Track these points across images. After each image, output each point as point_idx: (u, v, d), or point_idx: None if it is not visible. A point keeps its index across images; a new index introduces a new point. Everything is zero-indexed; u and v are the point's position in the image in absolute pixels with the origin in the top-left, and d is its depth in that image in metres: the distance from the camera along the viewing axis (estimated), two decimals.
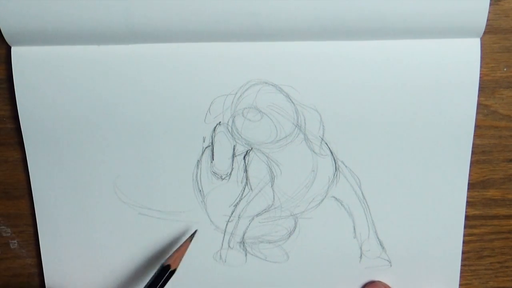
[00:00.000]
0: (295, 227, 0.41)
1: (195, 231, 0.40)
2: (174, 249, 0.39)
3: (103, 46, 0.37)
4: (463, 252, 0.41)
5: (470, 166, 0.39)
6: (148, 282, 0.37)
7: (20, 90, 0.38)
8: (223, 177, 0.39)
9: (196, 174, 0.39)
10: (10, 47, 0.37)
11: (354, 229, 0.40)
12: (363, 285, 0.42)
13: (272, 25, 0.35)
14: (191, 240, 0.39)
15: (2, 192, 0.41)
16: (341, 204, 0.40)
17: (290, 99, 0.38)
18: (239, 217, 0.40)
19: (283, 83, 0.37)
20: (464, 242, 0.41)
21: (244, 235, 0.41)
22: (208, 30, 0.36)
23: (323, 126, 0.38)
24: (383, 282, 0.41)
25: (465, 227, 0.40)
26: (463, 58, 0.37)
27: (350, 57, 0.37)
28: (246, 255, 0.41)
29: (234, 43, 0.37)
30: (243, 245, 0.41)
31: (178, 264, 0.38)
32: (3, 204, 0.41)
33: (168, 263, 0.37)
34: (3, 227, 0.42)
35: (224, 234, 0.41)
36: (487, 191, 0.40)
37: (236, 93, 0.38)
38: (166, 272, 0.37)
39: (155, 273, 0.37)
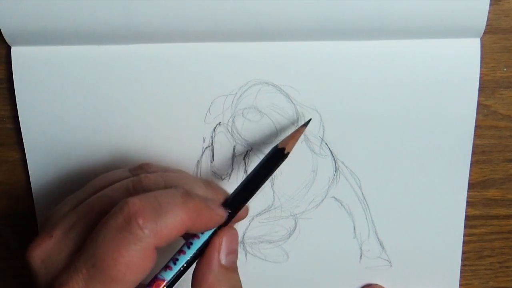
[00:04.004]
0: (295, 227, 0.41)
1: (310, 120, 0.37)
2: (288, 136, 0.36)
3: (103, 46, 0.37)
4: (463, 252, 0.41)
5: (470, 166, 0.39)
6: (259, 164, 0.34)
7: (20, 90, 0.38)
8: (223, 178, 0.39)
9: (196, 175, 0.39)
10: (10, 47, 0.37)
11: (354, 229, 0.40)
12: None
13: (272, 25, 0.35)
14: (306, 126, 0.36)
15: (2, 192, 0.41)
16: (341, 204, 0.40)
17: (290, 99, 0.38)
18: None
19: (283, 83, 0.37)
20: (464, 242, 0.41)
21: (244, 235, 0.41)
22: (208, 30, 0.36)
23: (323, 126, 0.38)
24: (380, 285, 0.41)
25: (465, 227, 0.40)
26: (463, 58, 0.37)
27: (350, 57, 0.37)
28: (246, 255, 0.41)
29: (234, 43, 0.37)
30: (243, 245, 0.41)
31: (291, 149, 0.34)
32: (3, 204, 0.41)
33: (282, 146, 0.34)
34: (3, 227, 0.42)
35: None
36: (487, 191, 0.40)
37: (236, 93, 0.38)
38: (279, 155, 0.34)
39: (268, 154, 0.34)
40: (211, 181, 0.34)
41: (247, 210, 0.34)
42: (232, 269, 0.31)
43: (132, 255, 0.27)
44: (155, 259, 0.28)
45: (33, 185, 0.40)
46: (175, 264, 0.30)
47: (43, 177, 0.40)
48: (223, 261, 0.31)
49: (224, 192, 0.33)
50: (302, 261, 0.41)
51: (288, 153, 0.34)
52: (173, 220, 0.28)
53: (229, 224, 0.32)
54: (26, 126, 0.39)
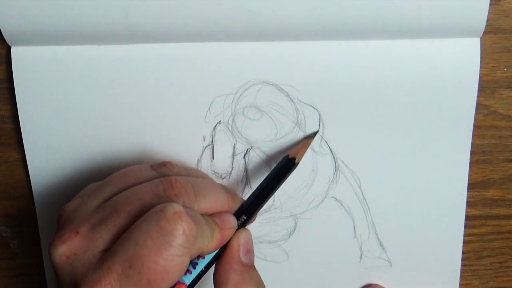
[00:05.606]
0: (295, 227, 0.41)
1: (317, 131, 0.38)
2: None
3: (103, 46, 0.37)
4: (463, 252, 0.41)
5: (470, 166, 0.39)
6: (271, 173, 0.36)
7: (20, 90, 0.38)
8: (223, 176, 0.39)
9: None
10: (10, 47, 0.37)
11: (354, 229, 0.40)
12: None
13: (272, 25, 0.35)
14: (313, 137, 0.38)
15: (2, 192, 0.41)
16: (341, 205, 0.40)
17: (290, 98, 0.38)
18: None
19: (283, 83, 0.37)
20: (464, 242, 0.41)
21: None
22: (208, 30, 0.36)
23: (322, 124, 0.38)
24: (380, 285, 0.41)
25: (465, 227, 0.40)
26: (463, 58, 0.37)
27: (350, 57, 0.37)
28: None
29: (234, 43, 0.37)
30: None
31: (301, 159, 0.37)
32: (3, 204, 0.41)
33: (293, 156, 0.36)
34: (3, 227, 0.42)
35: None
36: (487, 191, 0.40)
37: (236, 92, 0.38)
38: (290, 164, 0.36)
39: (279, 164, 0.36)
40: (230, 188, 0.36)
41: (256, 216, 0.36)
42: (252, 266, 0.33)
43: (172, 260, 0.27)
44: (187, 267, 0.29)
45: (33, 185, 0.40)
46: (194, 268, 0.31)
47: (43, 177, 0.40)
48: (244, 259, 0.32)
49: (241, 199, 0.35)
50: (302, 261, 0.41)
51: (298, 163, 0.36)
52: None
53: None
54: (26, 126, 0.39)
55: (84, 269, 0.28)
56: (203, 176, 0.36)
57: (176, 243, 0.27)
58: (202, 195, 0.31)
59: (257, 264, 0.35)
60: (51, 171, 0.40)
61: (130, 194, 0.31)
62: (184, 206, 0.30)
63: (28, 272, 0.43)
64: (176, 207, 0.28)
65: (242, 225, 0.33)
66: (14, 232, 0.42)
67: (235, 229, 0.33)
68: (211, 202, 0.32)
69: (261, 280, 0.33)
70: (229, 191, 0.34)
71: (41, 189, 0.40)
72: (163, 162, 0.34)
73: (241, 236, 0.32)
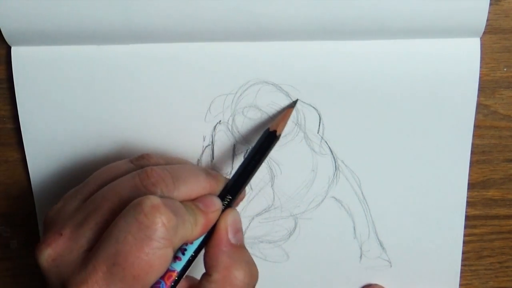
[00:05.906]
0: (295, 227, 0.41)
1: (297, 100, 0.38)
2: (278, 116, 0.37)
3: (103, 46, 0.37)
4: (463, 252, 0.41)
5: (470, 166, 0.39)
6: (253, 148, 0.35)
7: (20, 90, 0.38)
8: None
9: None
10: (10, 47, 0.37)
11: (354, 229, 0.40)
12: None
13: (272, 25, 0.35)
14: (293, 107, 0.37)
15: (2, 192, 0.41)
16: (341, 205, 0.40)
17: (290, 98, 0.38)
18: None
19: (283, 83, 0.37)
20: (464, 242, 0.41)
21: (244, 235, 0.41)
22: (208, 30, 0.36)
23: (322, 124, 0.38)
24: (380, 285, 0.41)
25: (465, 227, 0.40)
26: (463, 58, 0.37)
27: (350, 57, 0.37)
28: None
29: (234, 43, 0.37)
30: None
31: (282, 131, 0.36)
32: (3, 204, 0.41)
33: (274, 128, 0.35)
34: (3, 227, 0.42)
35: None
36: (487, 191, 0.40)
37: (236, 92, 0.38)
38: (272, 138, 0.35)
39: (260, 138, 0.35)
40: (211, 170, 0.35)
41: (245, 192, 0.35)
42: (242, 246, 0.33)
43: (155, 254, 0.27)
44: (171, 258, 0.29)
45: (33, 185, 0.40)
46: (183, 254, 0.30)
47: (43, 177, 0.40)
48: (232, 241, 0.32)
49: (224, 179, 0.34)
50: (302, 261, 0.41)
51: (279, 135, 0.35)
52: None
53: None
54: (26, 126, 0.39)
55: (70, 270, 0.28)
56: (183, 163, 0.36)
57: (157, 236, 0.27)
58: (181, 181, 0.31)
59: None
60: (51, 171, 0.40)
61: (108, 190, 0.31)
62: (162, 194, 0.30)
63: (28, 272, 0.43)
64: (153, 200, 0.28)
65: (228, 205, 0.33)
66: (14, 232, 0.42)
67: (220, 211, 0.32)
68: (191, 186, 0.32)
69: (252, 259, 0.32)
70: (210, 173, 0.34)
71: (41, 189, 0.40)
72: (142, 155, 0.34)
73: (228, 217, 0.32)
